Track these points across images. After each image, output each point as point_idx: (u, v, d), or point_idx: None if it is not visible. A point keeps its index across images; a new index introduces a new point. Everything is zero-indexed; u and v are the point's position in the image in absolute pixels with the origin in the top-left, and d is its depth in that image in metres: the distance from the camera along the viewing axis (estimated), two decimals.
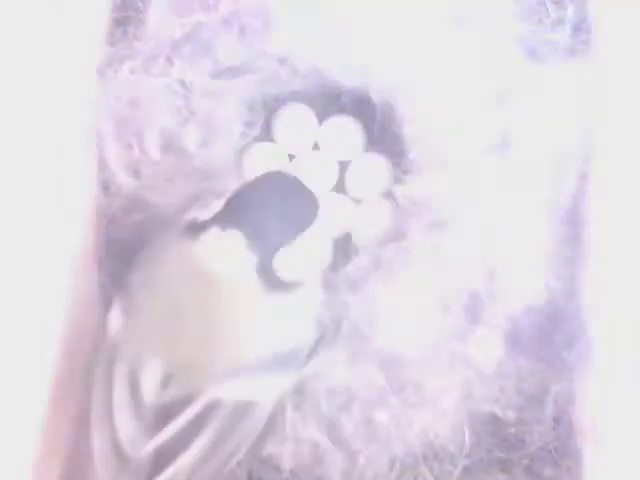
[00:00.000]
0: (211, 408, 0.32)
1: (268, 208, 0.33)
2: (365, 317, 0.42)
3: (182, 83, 0.42)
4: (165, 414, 0.32)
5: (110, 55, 0.43)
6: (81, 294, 0.43)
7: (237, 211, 0.33)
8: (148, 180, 0.43)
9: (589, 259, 0.44)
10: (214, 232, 0.33)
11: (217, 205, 0.34)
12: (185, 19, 0.41)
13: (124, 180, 0.43)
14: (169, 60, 0.42)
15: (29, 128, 0.37)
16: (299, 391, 0.42)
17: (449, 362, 0.43)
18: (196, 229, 0.34)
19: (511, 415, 0.45)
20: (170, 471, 0.32)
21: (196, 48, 0.41)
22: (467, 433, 0.44)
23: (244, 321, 0.34)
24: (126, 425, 0.33)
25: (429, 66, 0.43)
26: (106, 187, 0.44)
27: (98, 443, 0.33)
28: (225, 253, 0.33)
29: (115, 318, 0.36)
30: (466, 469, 0.45)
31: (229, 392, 0.33)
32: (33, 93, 0.37)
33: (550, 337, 0.43)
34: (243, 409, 0.33)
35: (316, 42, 0.42)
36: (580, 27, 0.44)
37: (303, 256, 0.34)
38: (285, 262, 0.33)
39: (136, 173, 0.43)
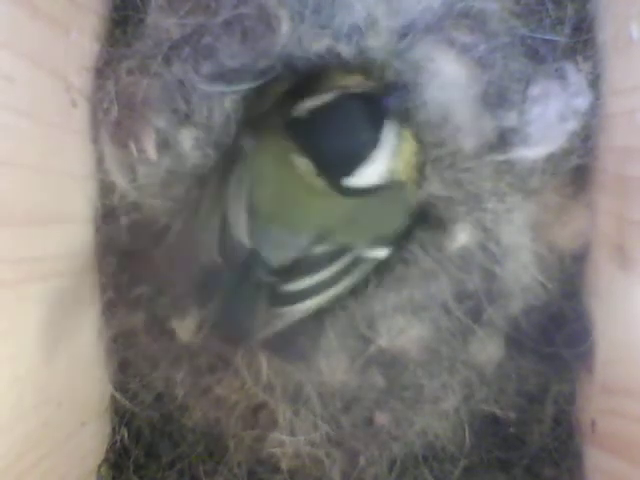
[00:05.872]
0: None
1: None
2: (365, 319, 0.42)
3: (180, 83, 0.41)
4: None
5: (109, 55, 0.43)
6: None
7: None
8: (145, 180, 0.43)
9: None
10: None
11: None
12: (184, 20, 0.40)
13: (121, 180, 0.43)
14: (167, 60, 0.41)
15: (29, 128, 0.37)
16: (299, 392, 0.43)
17: (450, 363, 0.43)
18: None
19: (511, 415, 0.45)
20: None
21: (196, 49, 0.40)
22: (467, 433, 0.44)
23: None
24: None
25: None
26: (103, 187, 0.44)
27: None
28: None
29: None
30: (466, 469, 0.46)
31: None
32: (32, 92, 0.37)
33: (550, 337, 0.43)
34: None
35: None
36: (580, 27, 0.44)
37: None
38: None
39: (133, 173, 0.43)
